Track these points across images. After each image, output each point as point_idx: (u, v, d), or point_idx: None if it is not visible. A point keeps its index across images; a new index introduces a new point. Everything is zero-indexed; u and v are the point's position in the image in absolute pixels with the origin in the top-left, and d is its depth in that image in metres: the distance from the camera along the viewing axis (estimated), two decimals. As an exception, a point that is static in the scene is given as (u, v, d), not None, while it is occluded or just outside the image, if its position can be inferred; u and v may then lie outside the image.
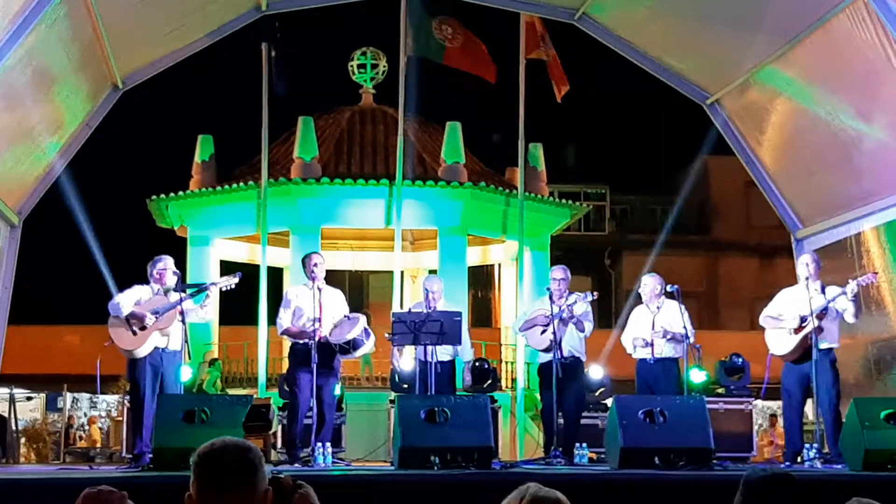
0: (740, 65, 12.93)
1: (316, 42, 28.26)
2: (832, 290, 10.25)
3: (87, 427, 26.56)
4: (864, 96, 11.50)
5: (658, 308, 11.06)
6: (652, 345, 10.89)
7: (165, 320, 9.59)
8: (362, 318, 10.10)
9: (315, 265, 10.16)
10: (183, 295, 9.72)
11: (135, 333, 9.57)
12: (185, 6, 12.42)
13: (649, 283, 11.15)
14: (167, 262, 9.88)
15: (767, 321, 10.52)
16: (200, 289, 9.85)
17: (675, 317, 10.93)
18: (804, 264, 10.48)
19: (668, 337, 10.86)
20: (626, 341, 11.24)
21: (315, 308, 9.94)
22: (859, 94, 11.57)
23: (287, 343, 10.79)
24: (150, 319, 9.54)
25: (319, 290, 10.07)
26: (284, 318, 10.24)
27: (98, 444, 22.81)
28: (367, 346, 10.28)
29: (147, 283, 9.87)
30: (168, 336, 9.66)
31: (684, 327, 10.71)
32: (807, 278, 10.31)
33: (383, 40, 22.18)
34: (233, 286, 9.95)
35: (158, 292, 9.79)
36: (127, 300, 9.68)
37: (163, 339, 9.65)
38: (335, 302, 10.22)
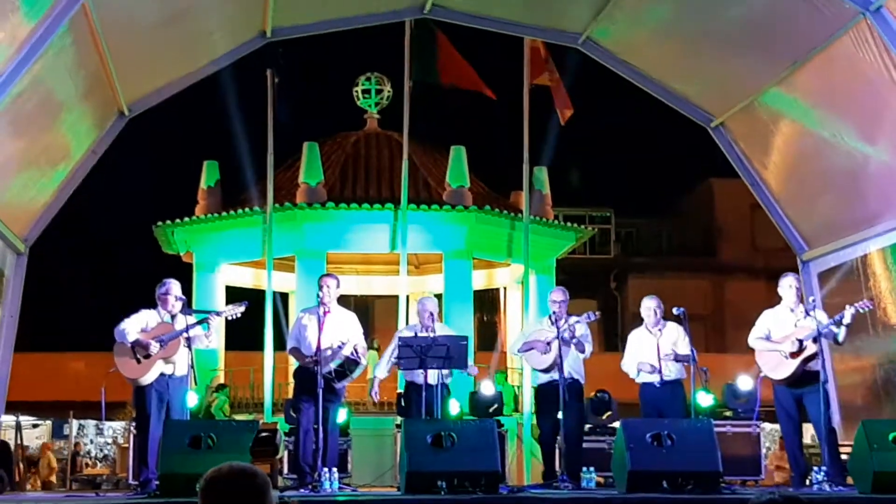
0: (744, 88, 12.96)
1: (321, 68, 28.39)
2: (820, 315, 10.23)
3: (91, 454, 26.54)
4: (869, 118, 11.51)
5: (660, 331, 11.04)
6: (660, 369, 10.87)
7: (170, 348, 9.57)
8: (346, 347, 9.98)
9: (322, 287, 10.13)
10: (189, 322, 9.71)
11: (139, 361, 9.56)
12: (191, 34, 12.47)
13: (651, 306, 11.14)
14: (171, 287, 9.87)
15: (759, 343, 10.48)
16: (204, 319, 9.82)
17: (677, 339, 10.93)
18: (789, 286, 10.46)
19: (677, 360, 10.86)
20: (630, 366, 11.18)
21: (316, 331, 9.91)
22: (864, 116, 11.58)
23: (292, 368, 10.79)
24: (154, 348, 9.52)
25: (325, 313, 10.03)
26: (291, 340, 10.33)
27: (53, 474, 22.62)
28: (356, 374, 10.24)
29: (154, 307, 9.86)
30: (174, 363, 9.65)
31: (691, 349, 10.72)
32: (812, 300, 10.31)
33: (388, 66, 22.29)
34: (238, 315, 9.93)
35: (164, 318, 9.78)
36: (132, 326, 9.67)
37: (168, 367, 9.64)
38: (343, 326, 10.15)
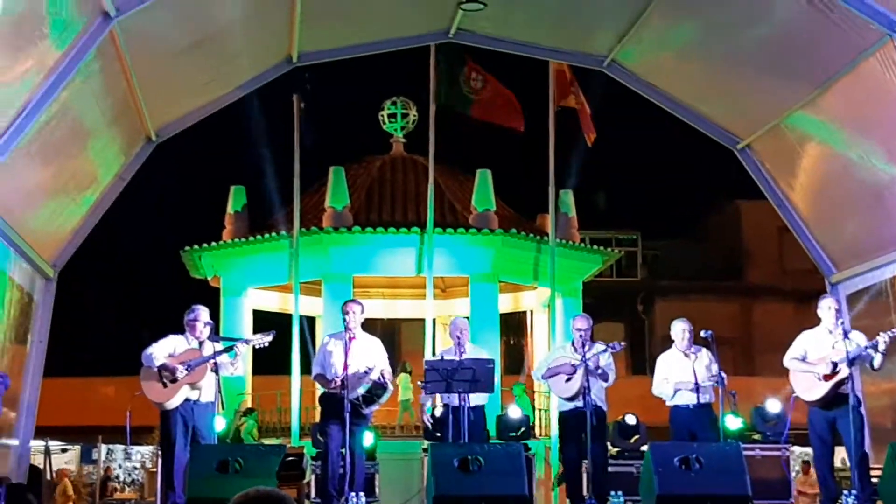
0: (770, 110, 12.92)
1: (346, 92, 28.49)
2: (857, 336, 10.14)
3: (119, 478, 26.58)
4: (896, 139, 11.45)
5: (695, 354, 11.01)
6: (698, 390, 10.82)
7: (197, 374, 9.59)
8: (374, 371, 9.95)
9: (347, 313, 10.11)
10: (216, 348, 9.73)
11: (165, 385, 9.59)
12: (218, 59, 12.55)
13: (685, 328, 11.09)
14: (199, 314, 9.89)
15: (793, 363, 10.41)
16: (231, 347, 9.82)
17: (709, 362, 10.90)
18: (828, 308, 10.39)
19: (715, 382, 10.82)
20: (664, 388, 11.11)
21: (342, 356, 9.91)
22: (891, 137, 11.51)
23: (319, 392, 10.79)
24: (181, 373, 9.54)
25: (350, 339, 10.02)
26: (315, 365, 10.28)
27: (69, 501, 22.61)
28: (384, 399, 10.20)
29: (182, 332, 9.89)
30: (200, 389, 9.66)
31: (721, 372, 10.69)
32: (841, 322, 10.24)
33: (413, 90, 22.37)
34: (266, 344, 9.92)
35: (192, 344, 9.80)
36: (160, 351, 9.70)
37: (194, 392, 9.65)
38: (369, 351, 10.13)
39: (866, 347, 9.96)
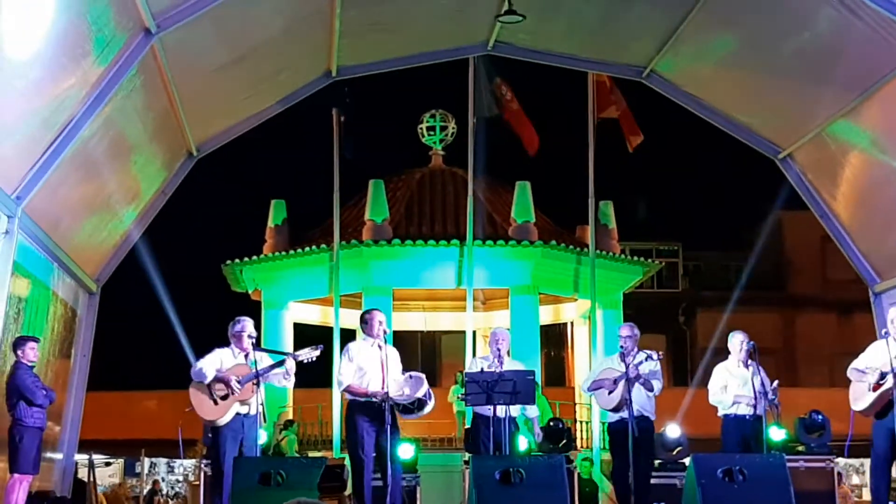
0: (811, 119, 12.84)
1: (385, 106, 28.59)
2: None
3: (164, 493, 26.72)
4: (939, 147, 11.36)
5: (752, 366, 10.98)
6: (756, 403, 10.79)
7: (247, 390, 9.57)
8: (422, 387, 9.93)
9: (381, 322, 10.05)
10: (264, 360, 9.73)
11: (216, 402, 9.57)
12: (258, 74, 12.63)
13: (743, 340, 11.06)
14: (244, 325, 9.84)
15: (853, 373, 10.30)
16: (281, 362, 9.80)
17: (762, 374, 10.92)
18: (891, 320, 10.25)
19: (773, 394, 10.81)
20: (724, 397, 11.08)
21: (380, 366, 9.85)
22: (934, 145, 11.43)
23: (346, 399, 10.61)
24: (235, 384, 9.52)
25: (380, 347, 9.98)
26: (346, 375, 9.95)
27: None
28: (430, 406, 10.16)
29: (226, 345, 9.87)
30: (249, 404, 9.65)
31: (774, 385, 10.71)
32: (885, 332, 10.12)
33: (452, 102, 22.42)
34: (313, 359, 9.87)
35: (238, 357, 9.76)
36: (209, 366, 9.64)
37: (244, 407, 9.65)
38: (395, 361, 10.11)
39: None
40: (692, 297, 35.03)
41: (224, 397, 9.55)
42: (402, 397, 9.79)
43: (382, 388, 9.73)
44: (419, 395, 9.81)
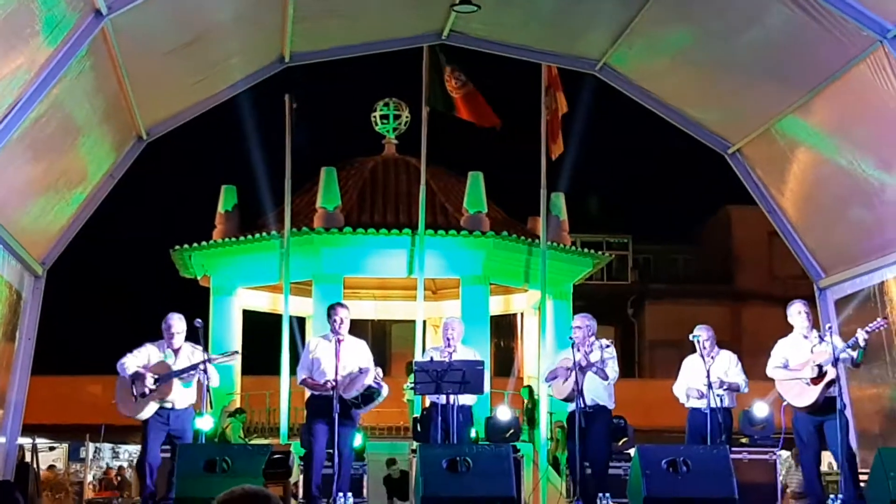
0: (761, 115, 12.95)
1: (339, 93, 28.50)
2: (837, 340, 10.13)
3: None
4: (886, 146, 11.49)
5: (713, 358, 11.01)
6: (707, 396, 10.83)
7: (164, 389, 9.69)
8: (369, 373, 9.98)
9: (338, 319, 10.09)
10: (192, 357, 9.88)
11: (136, 399, 9.67)
12: (210, 58, 12.54)
13: (704, 335, 11.10)
14: (171, 323, 9.99)
15: (777, 372, 10.39)
16: (195, 364, 9.85)
17: (728, 367, 11.00)
18: (798, 313, 10.37)
19: (725, 388, 10.84)
20: (680, 391, 11.18)
21: (333, 358, 9.92)
22: (881, 144, 11.56)
23: (307, 393, 10.77)
24: (150, 383, 9.63)
25: (339, 342, 10.02)
26: (302, 368, 10.26)
27: None
28: (384, 393, 10.21)
29: (161, 338, 9.95)
30: (171, 401, 9.75)
31: (744, 379, 10.94)
32: (829, 326, 10.24)
33: (405, 91, 22.37)
34: (231, 363, 10.14)
35: (165, 353, 9.89)
36: (132, 361, 9.84)
37: (167, 403, 9.76)
38: (356, 353, 10.13)
39: (846, 346, 9.97)
40: (641, 290, 35.28)
41: (143, 395, 9.64)
42: (346, 394, 9.86)
43: (331, 379, 9.81)
44: (355, 392, 9.89)
